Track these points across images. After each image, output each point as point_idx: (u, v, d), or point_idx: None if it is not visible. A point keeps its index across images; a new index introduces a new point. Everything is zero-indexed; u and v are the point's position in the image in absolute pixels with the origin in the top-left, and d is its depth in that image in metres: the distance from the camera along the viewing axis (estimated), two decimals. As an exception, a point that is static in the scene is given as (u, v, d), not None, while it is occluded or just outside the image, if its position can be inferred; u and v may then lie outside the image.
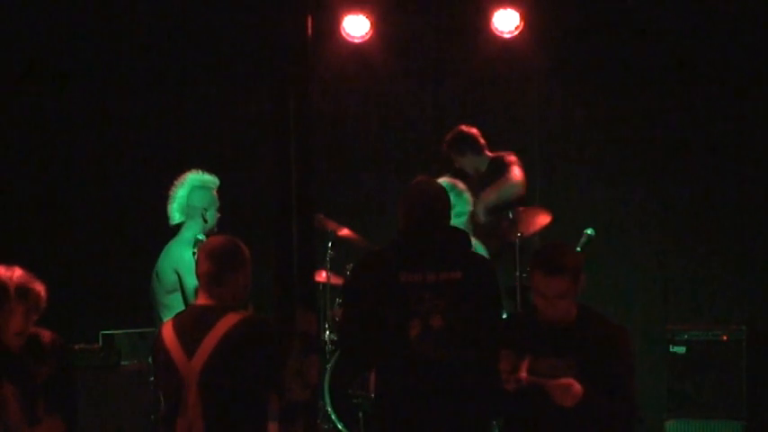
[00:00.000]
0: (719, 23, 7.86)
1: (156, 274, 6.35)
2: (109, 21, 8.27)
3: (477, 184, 7.42)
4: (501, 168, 7.29)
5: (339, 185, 8.30)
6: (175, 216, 6.46)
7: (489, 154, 7.50)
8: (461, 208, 6.43)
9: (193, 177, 6.49)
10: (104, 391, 5.91)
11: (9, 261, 4.41)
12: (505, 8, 8.12)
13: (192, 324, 4.08)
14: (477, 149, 7.48)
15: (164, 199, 8.31)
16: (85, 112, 8.35)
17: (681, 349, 7.07)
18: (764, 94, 7.83)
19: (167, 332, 4.10)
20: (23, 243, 7.95)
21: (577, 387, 3.92)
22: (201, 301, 4.16)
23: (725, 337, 7.01)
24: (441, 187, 4.33)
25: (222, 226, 6.46)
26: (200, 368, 3.99)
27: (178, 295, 6.21)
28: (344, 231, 7.44)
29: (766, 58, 7.78)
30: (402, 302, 4.01)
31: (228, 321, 4.03)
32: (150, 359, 5.20)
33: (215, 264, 4.13)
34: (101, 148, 8.38)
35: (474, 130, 7.48)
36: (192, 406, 3.99)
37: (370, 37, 8.32)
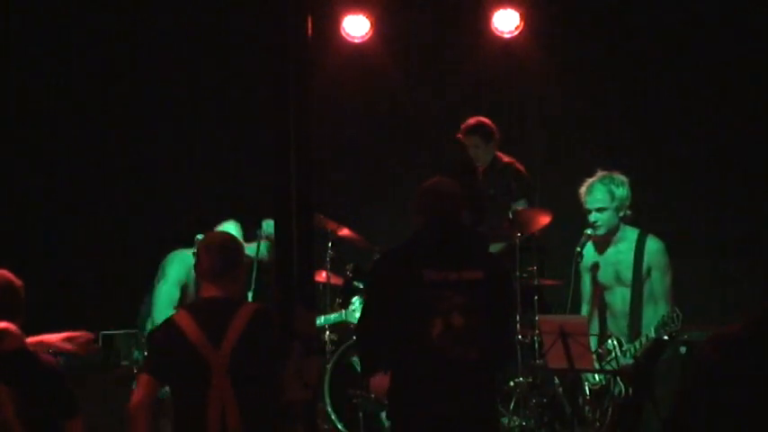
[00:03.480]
0: (720, 22, 7.86)
1: None
2: (109, 17, 8.27)
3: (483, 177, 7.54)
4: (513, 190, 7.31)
5: (339, 185, 8.29)
6: None
7: (499, 154, 7.53)
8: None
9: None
10: (104, 391, 5.91)
11: (9, 261, 4.40)
12: (505, 8, 8.12)
13: (213, 314, 4.12)
14: (487, 139, 7.50)
15: (164, 198, 8.36)
16: (86, 110, 8.34)
17: (681, 349, 7.07)
18: (766, 93, 7.83)
19: (186, 323, 4.11)
20: (24, 243, 7.95)
21: None
22: (212, 293, 4.19)
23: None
24: (455, 187, 4.33)
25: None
26: (228, 356, 4.03)
27: None
28: (344, 231, 7.44)
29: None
30: (424, 301, 4.02)
31: (248, 310, 4.09)
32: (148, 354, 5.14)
33: (222, 256, 4.18)
34: (101, 148, 8.37)
35: (487, 121, 7.50)
36: (222, 394, 4.02)
37: (370, 37, 8.31)
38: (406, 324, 4.02)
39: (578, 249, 6.88)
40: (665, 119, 8.05)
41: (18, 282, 4.25)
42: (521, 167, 7.46)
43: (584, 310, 6.18)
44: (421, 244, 4.16)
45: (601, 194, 6.08)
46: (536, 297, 7.37)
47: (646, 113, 8.12)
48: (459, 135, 7.49)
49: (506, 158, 7.52)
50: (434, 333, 3.99)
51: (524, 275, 7.32)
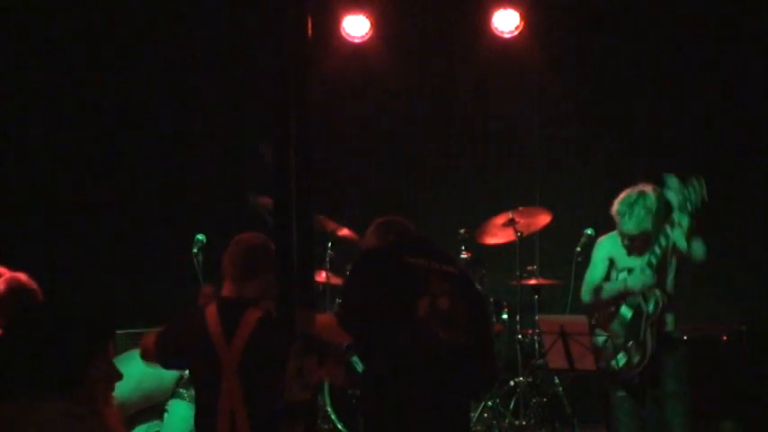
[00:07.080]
0: (719, 23, 7.87)
1: None
2: (109, 17, 8.28)
3: None
4: None
5: (339, 185, 8.30)
6: None
7: None
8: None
9: None
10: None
11: (10, 262, 4.41)
12: (505, 8, 8.14)
13: (229, 312, 4.18)
14: None
15: (163, 199, 8.36)
16: (88, 108, 8.34)
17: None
18: (765, 94, 7.84)
19: (212, 319, 4.16)
20: (24, 244, 7.95)
21: None
22: (230, 292, 4.25)
23: (725, 337, 7.01)
24: (408, 222, 4.47)
25: (223, 225, 6.46)
26: (239, 353, 4.08)
27: None
28: (344, 231, 7.45)
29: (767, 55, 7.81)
30: (410, 282, 4.06)
31: (254, 314, 4.13)
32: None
33: (244, 260, 4.22)
34: (102, 149, 8.38)
35: None
36: (232, 394, 4.07)
37: (370, 37, 8.32)
38: (391, 306, 4.04)
39: (578, 249, 6.90)
40: (665, 118, 8.06)
41: (33, 285, 4.27)
42: None
43: (586, 295, 6.03)
44: (402, 243, 4.24)
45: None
46: (536, 296, 7.40)
47: (646, 113, 8.13)
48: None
49: None
50: (420, 313, 4.01)
51: (524, 275, 7.35)
